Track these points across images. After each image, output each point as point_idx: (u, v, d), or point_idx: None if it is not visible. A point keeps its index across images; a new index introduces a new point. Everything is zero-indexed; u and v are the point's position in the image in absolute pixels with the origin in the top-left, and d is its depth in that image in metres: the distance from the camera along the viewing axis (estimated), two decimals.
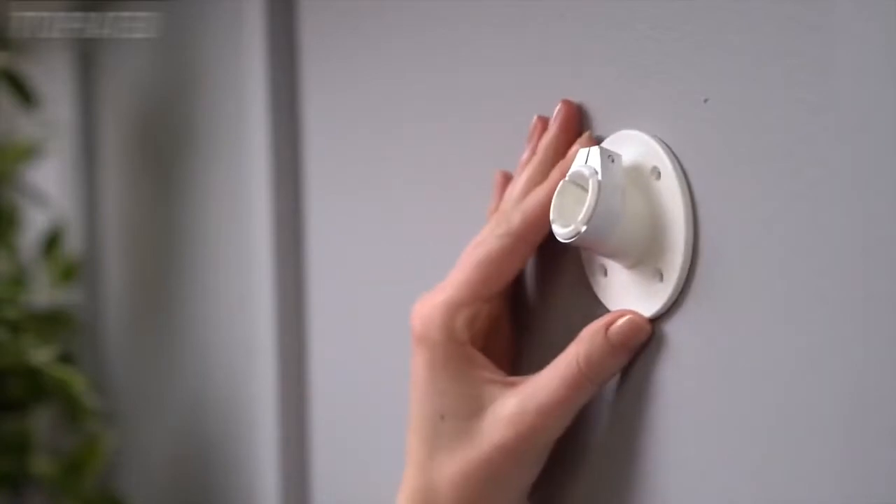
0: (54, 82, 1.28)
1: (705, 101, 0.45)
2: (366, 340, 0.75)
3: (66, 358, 1.13)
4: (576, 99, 0.53)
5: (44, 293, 1.21)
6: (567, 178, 0.48)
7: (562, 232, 0.48)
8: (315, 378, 0.82)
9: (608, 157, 0.47)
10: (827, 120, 0.40)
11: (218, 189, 0.97)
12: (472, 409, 0.51)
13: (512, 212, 0.52)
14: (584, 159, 0.48)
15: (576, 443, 0.52)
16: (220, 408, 0.98)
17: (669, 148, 0.47)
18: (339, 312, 0.79)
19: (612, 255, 0.49)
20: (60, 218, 1.25)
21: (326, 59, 0.78)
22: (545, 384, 0.49)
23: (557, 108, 0.53)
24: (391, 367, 0.64)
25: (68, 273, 1.22)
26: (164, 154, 1.09)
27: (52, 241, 1.22)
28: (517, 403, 0.50)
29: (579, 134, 0.52)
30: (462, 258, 0.54)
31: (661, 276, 0.47)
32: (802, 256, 0.42)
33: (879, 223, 0.38)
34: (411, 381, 0.54)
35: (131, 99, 1.17)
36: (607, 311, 0.50)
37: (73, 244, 1.27)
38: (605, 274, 0.51)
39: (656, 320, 0.48)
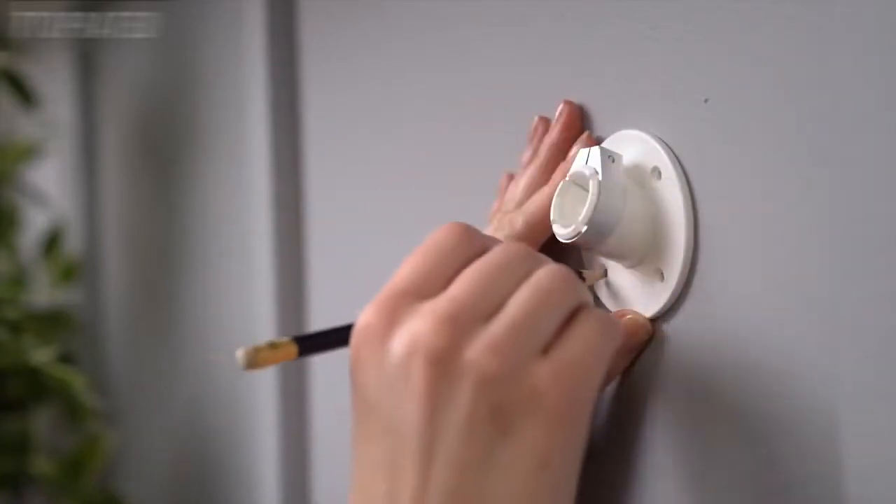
0: (54, 82, 1.29)
1: (705, 101, 0.45)
2: None
3: (66, 358, 1.14)
4: (576, 99, 0.53)
5: (44, 293, 1.21)
6: (567, 179, 0.48)
7: (563, 232, 0.47)
8: (315, 377, 0.82)
9: (608, 157, 0.47)
10: (827, 120, 0.40)
11: (218, 189, 0.97)
12: None
13: (515, 214, 0.52)
14: (585, 159, 0.48)
15: None
16: (219, 407, 0.98)
17: (670, 148, 0.47)
18: (339, 313, 0.78)
19: (613, 255, 0.49)
20: (60, 218, 1.25)
21: (326, 59, 0.78)
22: None
23: (560, 108, 0.53)
24: None
25: (68, 273, 1.22)
26: (165, 154, 1.09)
27: (52, 241, 1.22)
28: None
29: (581, 135, 0.52)
30: None
31: (661, 276, 0.47)
32: (803, 256, 0.42)
33: (879, 222, 0.38)
34: None
35: (131, 99, 1.17)
36: (608, 311, 0.50)
37: (73, 244, 1.27)
38: (606, 274, 0.51)
39: (657, 320, 0.48)
